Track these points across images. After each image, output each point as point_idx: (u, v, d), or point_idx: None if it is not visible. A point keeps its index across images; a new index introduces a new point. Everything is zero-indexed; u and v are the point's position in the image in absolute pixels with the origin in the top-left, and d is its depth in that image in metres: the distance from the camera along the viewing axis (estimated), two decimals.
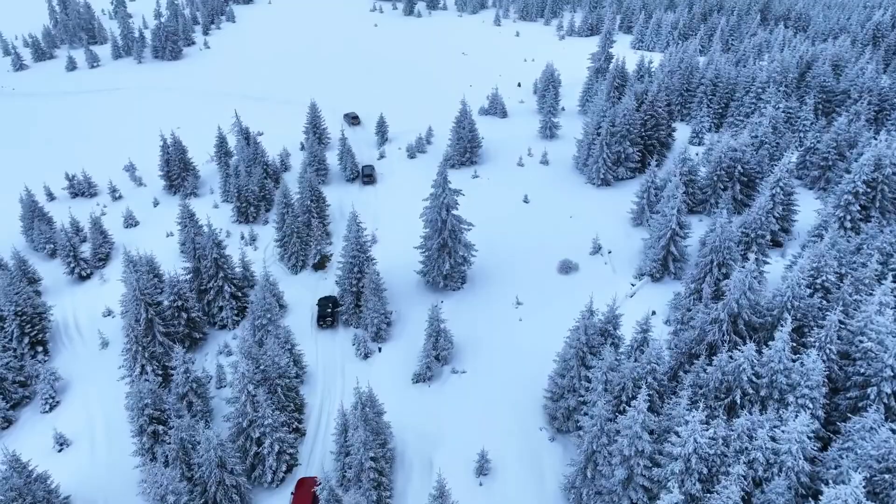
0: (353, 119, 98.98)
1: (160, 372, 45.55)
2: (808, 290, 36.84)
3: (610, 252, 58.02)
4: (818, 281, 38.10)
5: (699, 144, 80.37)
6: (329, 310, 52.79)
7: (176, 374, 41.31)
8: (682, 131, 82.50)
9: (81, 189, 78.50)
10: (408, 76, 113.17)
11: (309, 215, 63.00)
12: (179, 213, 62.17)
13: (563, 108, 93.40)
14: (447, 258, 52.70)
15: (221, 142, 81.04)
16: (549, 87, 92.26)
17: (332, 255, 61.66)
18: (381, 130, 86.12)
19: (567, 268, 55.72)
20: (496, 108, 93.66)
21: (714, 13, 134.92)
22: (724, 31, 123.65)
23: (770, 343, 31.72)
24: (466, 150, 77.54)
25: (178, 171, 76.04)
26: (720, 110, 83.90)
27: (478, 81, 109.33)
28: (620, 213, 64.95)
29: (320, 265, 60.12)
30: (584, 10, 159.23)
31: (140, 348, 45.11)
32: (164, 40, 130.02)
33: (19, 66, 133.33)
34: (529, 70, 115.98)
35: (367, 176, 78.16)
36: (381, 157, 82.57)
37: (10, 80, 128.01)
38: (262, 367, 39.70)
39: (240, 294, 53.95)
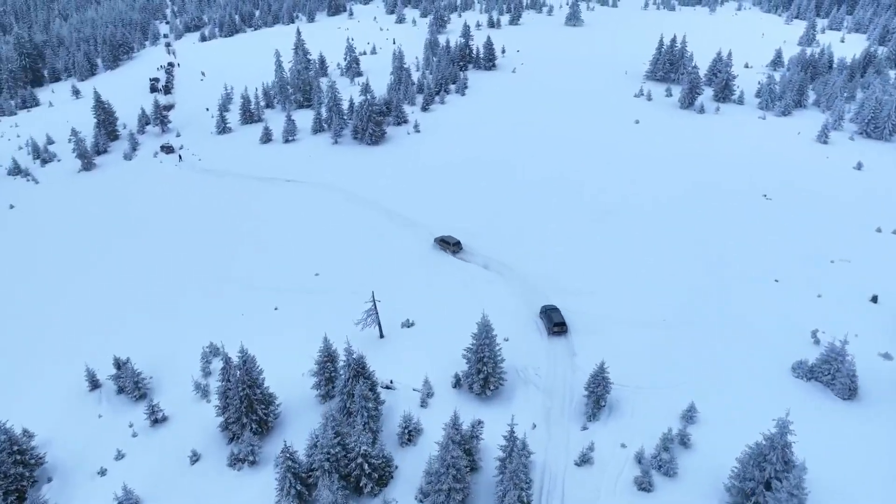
0: (453, 247, 68.63)
1: None
2: None
3: None
4: None
5: None
6: None
7: None
8: None
9: (126, 387, 52.49)
10: (661, 239, 70.94)
11: None
12: None
13: None
14: None
15: (328, 356, 49.11)
16: None
17: None
18: (597, 388, 46.40)
19: None
20: (831, 369, 47.86)
21: None
22: None
23: None
24: None
25: (236, 415, 45.56)
26: None
27: (788, 269, 63.42)
28: None
29: None
30: None
31: None
32: (365, 120, 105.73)
33: (223, 128, 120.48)
34: (889, 250, 66.66)
35: (557, 325, 54.97)
36: (584, 459, 42.77)
37: (206, 146, 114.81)
38: None
39: None
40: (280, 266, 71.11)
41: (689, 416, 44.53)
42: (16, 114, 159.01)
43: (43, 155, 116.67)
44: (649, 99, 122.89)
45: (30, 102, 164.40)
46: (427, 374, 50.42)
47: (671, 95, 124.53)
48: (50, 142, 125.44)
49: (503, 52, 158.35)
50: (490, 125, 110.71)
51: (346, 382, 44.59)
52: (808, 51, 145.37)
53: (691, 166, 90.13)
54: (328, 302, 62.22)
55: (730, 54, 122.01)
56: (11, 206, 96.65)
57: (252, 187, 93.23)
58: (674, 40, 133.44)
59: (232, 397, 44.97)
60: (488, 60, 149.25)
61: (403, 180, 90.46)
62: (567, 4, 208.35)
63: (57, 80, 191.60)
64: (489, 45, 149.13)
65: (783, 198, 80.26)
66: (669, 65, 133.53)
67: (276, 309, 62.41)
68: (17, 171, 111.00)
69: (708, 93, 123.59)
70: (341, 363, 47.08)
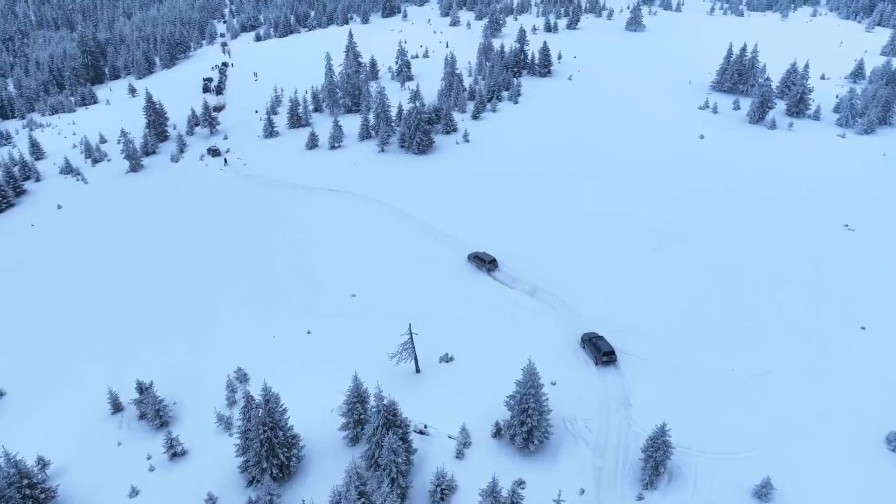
0: (488, 264, 64.34)
1: None
2: None
3: None
4: None
5: None
6: None
7: None
8: None
9: (148, 413, 49.87)
10: (727, 273, 64.07)
11: None
12: None
13: None
14: None
15: (358, 397, 45.18)
16: None
17: None
18: (656, 452, 40.86)
19: None
20: None
21: None
22: None
23: None
24: None
25: (255, 458, 42.09)
26: None
27: (877, 314, 56.15)
28: None
29: None
30: None
31: None
32: (413, 129, 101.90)
33: (270, 132, 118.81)
34: None
35: (607, 354, 51.93)
36: None
37: (252, 150, 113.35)
38: None
39: None
40: (316, 284, 67.84)
41: (764, 492, 38.67)
42: (75, 111, 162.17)
43: (94, 154, 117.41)
44: (715, 112, 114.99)
45: (89, 100, 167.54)
46: (465, 419, 45.97)
47: (739, 108, 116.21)
48: (103, 140, 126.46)
49: (559, 57, 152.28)
50: (543, 136, 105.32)
51: (376, 430, 40.50)
52: (895, 62, 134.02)
53: (762, 190, 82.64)
54: (363, 328, 58.50)
55: (806, 65, 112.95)
56: (59, 207, 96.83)
57: (294, 196, 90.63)
58: (743, 49, 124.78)
59: (252, 439, 41.50)
60: (544, 66, 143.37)
61: (449, 195, 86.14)
62: (628, 9, 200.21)
63: (117, 77, 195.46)
64: (545, 51, 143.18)
65: (868, 229, 72.31)
66: (738, 75, 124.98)
67: (308, 332, 59.14)
68: (68, 170, 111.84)
69: (780, 107, 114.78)
70: (371, 404, 42.98)
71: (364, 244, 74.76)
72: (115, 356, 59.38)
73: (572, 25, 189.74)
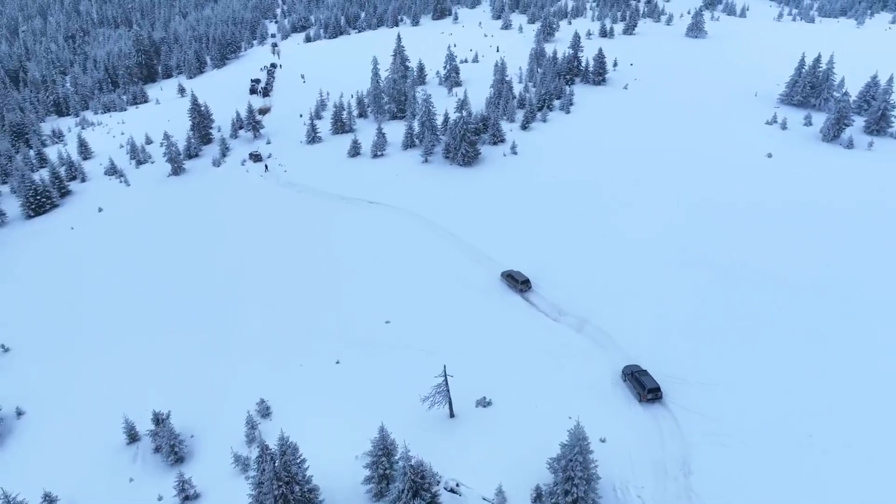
0: (521, 284, 60.76)
1: None
2: None
3: None
4: None
5: None
6: None
7: None
8: None
9: (163, 446, 46.85)
10: (805, 320, 56.94)
11: None
12: None
13: None
14: None
15: (384, 450, 40.92)
16: None
17: None
18: None
19: None
20: None
21: None
22: None
23: None
24: None
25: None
26: None
27: None
28: None
29: None
30: None
31: None
32: (458, 140, 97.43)
33: (313, 138, 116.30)
34: None
35: (651, 391, 47.72)
36: None
37: (294, 156, 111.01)
38: None
39: None
40: (349, 306, 64.16)
41: None
42: (126, 110, 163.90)
43: (139, 156, 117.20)
44: (784, 128, 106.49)
45: (140, 99, 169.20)
46: (501, 478, 41.18)
47: (811, 125, 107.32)
48: (148, 141, 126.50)
49: (615, 65, 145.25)
50: (596, 150, 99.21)
51: (401, 494, 36.14)
52: None
53: (842, 219, 74.60)
54: (395, 360, 54.41)
55: (891, 78, 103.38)
56: (100, 210, 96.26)
57: (333, 208, 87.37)
58: (817, 59, 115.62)
59: (266, 493, 37.71)
60: (598, 74, 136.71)
61: (492, 212, 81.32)
62: (689, 14, 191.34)
63: (169, 76, 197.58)
64: (600, 58, 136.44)
65: None
66: (810, 88, 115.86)
67: (337, 363, 55.38)
68: (113, 171, 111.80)
69: (858, 123, 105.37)
70: (398, 459, 38.68)
71: (401, 263, 70.77)
72: (137, 376, 57.13)
73: (629, 31, 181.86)
